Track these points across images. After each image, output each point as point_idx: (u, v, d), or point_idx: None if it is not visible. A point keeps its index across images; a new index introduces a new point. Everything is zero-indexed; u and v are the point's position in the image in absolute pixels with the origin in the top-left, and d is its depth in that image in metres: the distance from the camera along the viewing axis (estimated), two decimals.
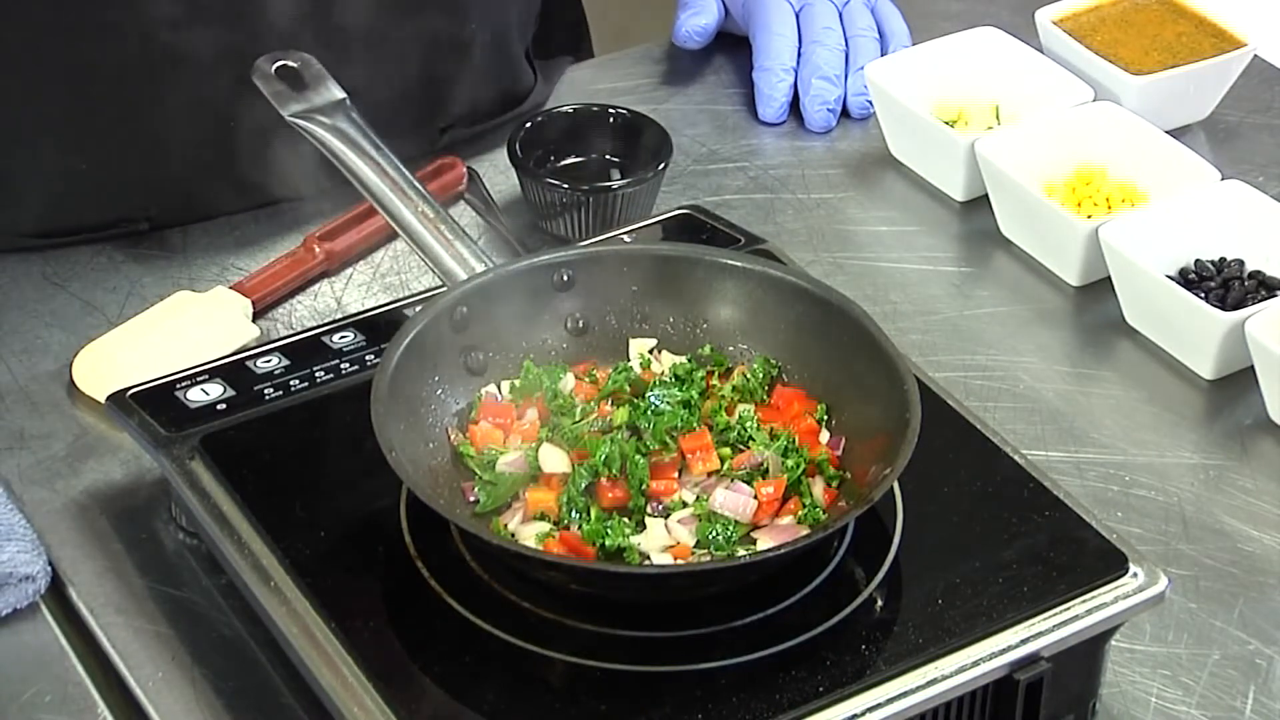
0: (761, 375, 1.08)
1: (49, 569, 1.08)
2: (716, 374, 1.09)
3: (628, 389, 1.06)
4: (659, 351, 1.11)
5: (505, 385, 1.08)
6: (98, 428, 1.19)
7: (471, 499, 1.02)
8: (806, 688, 0.94)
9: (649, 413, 1.03)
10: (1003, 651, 0.97)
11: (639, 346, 1.11)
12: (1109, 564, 1.01)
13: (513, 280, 1.09)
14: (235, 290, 1.27)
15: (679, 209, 1.26)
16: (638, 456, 1.01)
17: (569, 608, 0.97)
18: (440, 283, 1.11)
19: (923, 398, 1.01)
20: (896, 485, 1.03)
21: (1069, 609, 0.98)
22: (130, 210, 1.33)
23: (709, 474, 1.02)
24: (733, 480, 1.02)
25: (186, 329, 1.24)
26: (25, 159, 1.29)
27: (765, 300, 1.10)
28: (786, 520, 1.01)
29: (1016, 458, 1.07)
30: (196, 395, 1.10)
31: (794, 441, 1.03)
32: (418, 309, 1.08)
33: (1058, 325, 1.31)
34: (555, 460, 1.02)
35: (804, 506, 1.01)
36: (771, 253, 1.20)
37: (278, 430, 1.08)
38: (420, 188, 1.14)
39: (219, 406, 1.10)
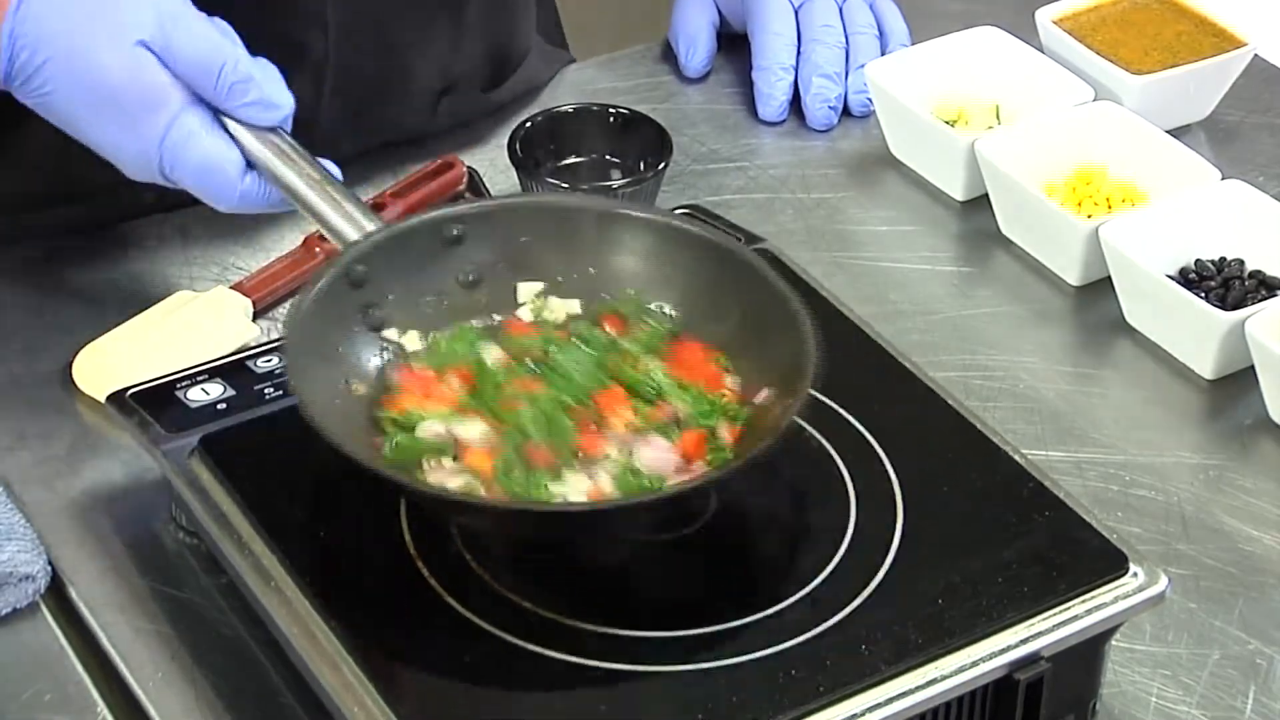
0: (660, 330, 1.07)
1: (49, 569, 1.08)
2: (608, 319, 1.08)
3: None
4: (545, 297, 1.10)
5: (411, 336, 1.07)
6: (98, 428, 1.19)
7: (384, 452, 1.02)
8: (806, 688, 0.94)
9: (563, 377, 1.03)
10: (1003, 651, 0.97)
11: (527, 291, 1.10)
12: (1109, 564, 1.01)
13: (404, 237, 1.09)
14: (235, 290, 1.27)
15: (679, 209, 1.26)
16: (561, 416, 1.01)
17: (569, 607, 0.97)
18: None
19: (922, 397, 1.01)
20: (896, 485, 1.03)
21: (1069, 609, 0.98)
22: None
23: (627, 428, 1.02)
24: (648, 434, 1.01)
25: (186, 329, 1.24)
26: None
27: (656, 247, 1.09)
28: (698, 465, 1.01)
29: (1016, 458, 1.07)
30: (196, 395, 1.10)
31: (703, 391, 1.03)
32: (318, 272, 1.06)
33: (1058, 325, 1.31)
34: (476, 431, 1.02)
35: (710, 450, 1.01)
36: (771, 251, 1.20)
37: (278, 430, 1.08)
38: (303, 151, 1.12)
39: (219, 406, 1.10)
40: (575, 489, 0.99)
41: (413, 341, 1.07)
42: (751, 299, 1.05)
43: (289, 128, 1.12)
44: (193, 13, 1.10)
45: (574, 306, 1.09)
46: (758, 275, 1.05)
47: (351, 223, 1.09)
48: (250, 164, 1.11)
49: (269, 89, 1.10)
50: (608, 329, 1.07)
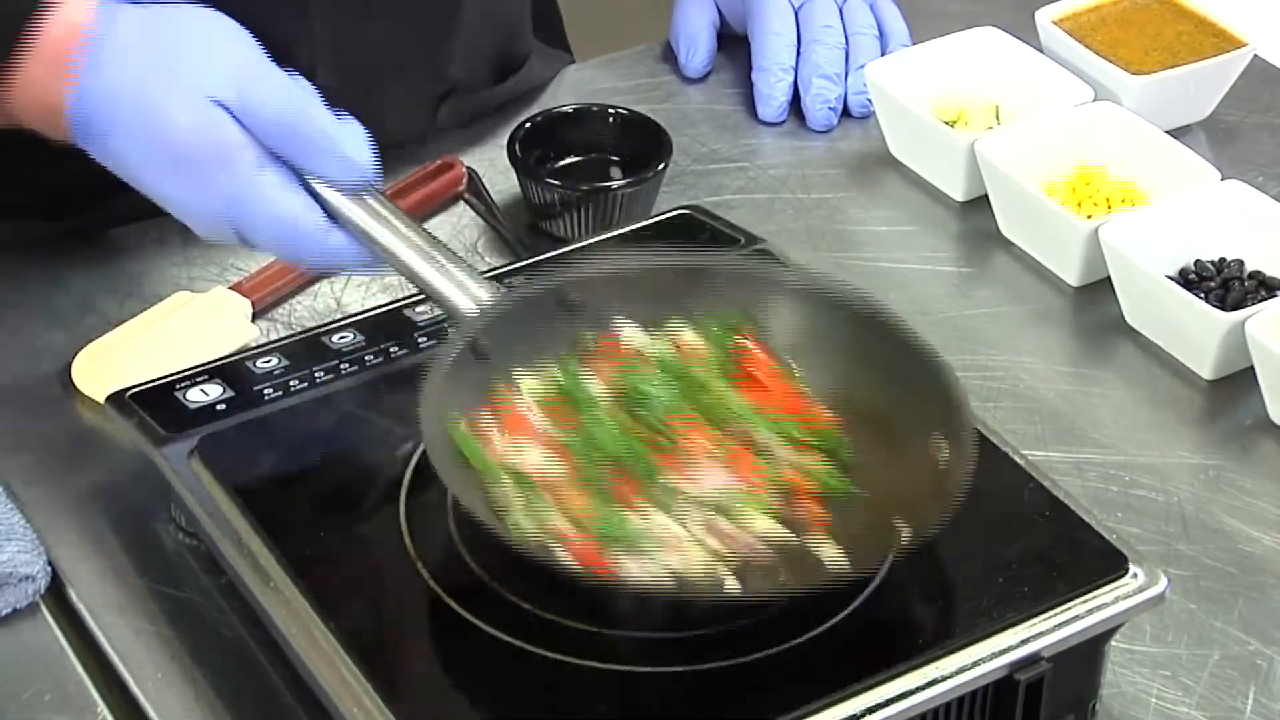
0: (724, 347, 1.06)
1: (49, 569, 1.08)
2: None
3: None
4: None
5: (530, 384, 1.05)
6: (98, 428, 1.19)
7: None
8: (806, 688, 0.94)
9: (645, 401, 1.02)
10: (1003, 652, 0.97)
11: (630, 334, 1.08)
12: (1109, 564, 1.01)
13: (524, 306, 1.06)
14: (235, 290, 1.27)
15: (679, 209, 1.26)
16: (642, 447, 1.00)
17: (569, 608, 0.97)
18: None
19: None
20: None
21: (1069, 609, 0.98)
22: None
23: (707, 458, 1.01)
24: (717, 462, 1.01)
25: (186, 329, 1.24)
26: None
27: (795, 312, 1.08)
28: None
29: (1016, 458, 1.07)
30: (196, 395, 1.10)
31: (788, 417, 1.02)
32: (437, 349, 1.04)
33: (1058, 325, 1.31)
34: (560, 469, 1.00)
35: (768, 467, 1.00)
36: (770, 252, 1.20)
37: (278, 430, 1.08)
38: (398, 209, 1.07)
39: (219, 406, 1.10)
40: (658, 528, 0.98)
41: (533, 389, 1.05)
42: (891, 355, 1.05)
43: (380, 185, 1.06)
44: (268, 67, 1.05)
45: (667, 350, 1.06)
46: (898, 333, 1.05)
47: (463, 291, 1.04)
48: (338, 223, 1.05)
49: (349, 146, 1.04)
50: (683, 354, 1.05)
